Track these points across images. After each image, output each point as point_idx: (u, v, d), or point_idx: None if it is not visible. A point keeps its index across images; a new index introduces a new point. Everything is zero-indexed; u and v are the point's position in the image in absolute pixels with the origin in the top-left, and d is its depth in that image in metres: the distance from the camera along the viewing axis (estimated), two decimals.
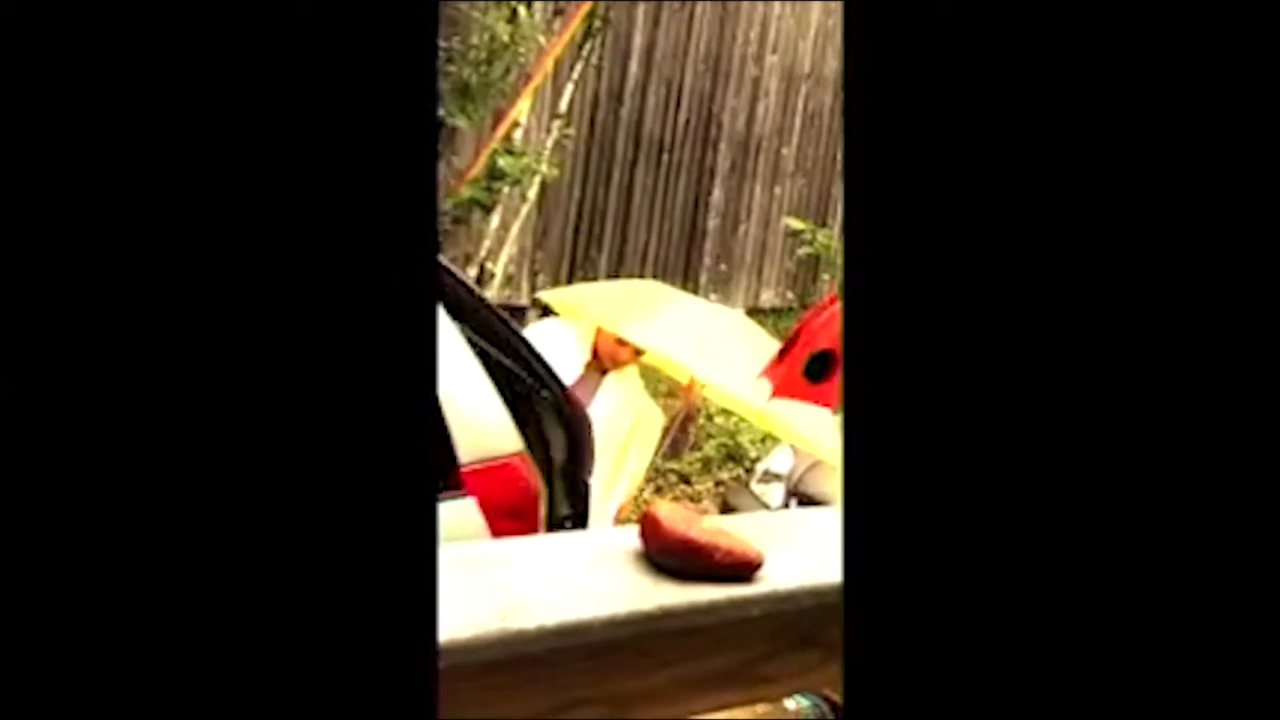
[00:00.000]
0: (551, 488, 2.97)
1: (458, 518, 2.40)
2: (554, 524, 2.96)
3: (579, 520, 3.01)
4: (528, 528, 2.59)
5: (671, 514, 1.09)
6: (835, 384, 2.81)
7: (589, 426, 3.03)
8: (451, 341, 2.57)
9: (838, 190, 7.54)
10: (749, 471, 4.77)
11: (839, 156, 7.51)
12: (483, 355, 2.82)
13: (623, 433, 3.75)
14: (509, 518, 2.50)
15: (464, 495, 2.44)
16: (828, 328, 2.86)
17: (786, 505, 4.49)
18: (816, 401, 2.91)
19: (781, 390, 2.84)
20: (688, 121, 6.82)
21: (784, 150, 7.31)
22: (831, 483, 4.37)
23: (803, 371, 2.83)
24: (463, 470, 2.44)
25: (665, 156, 6.79)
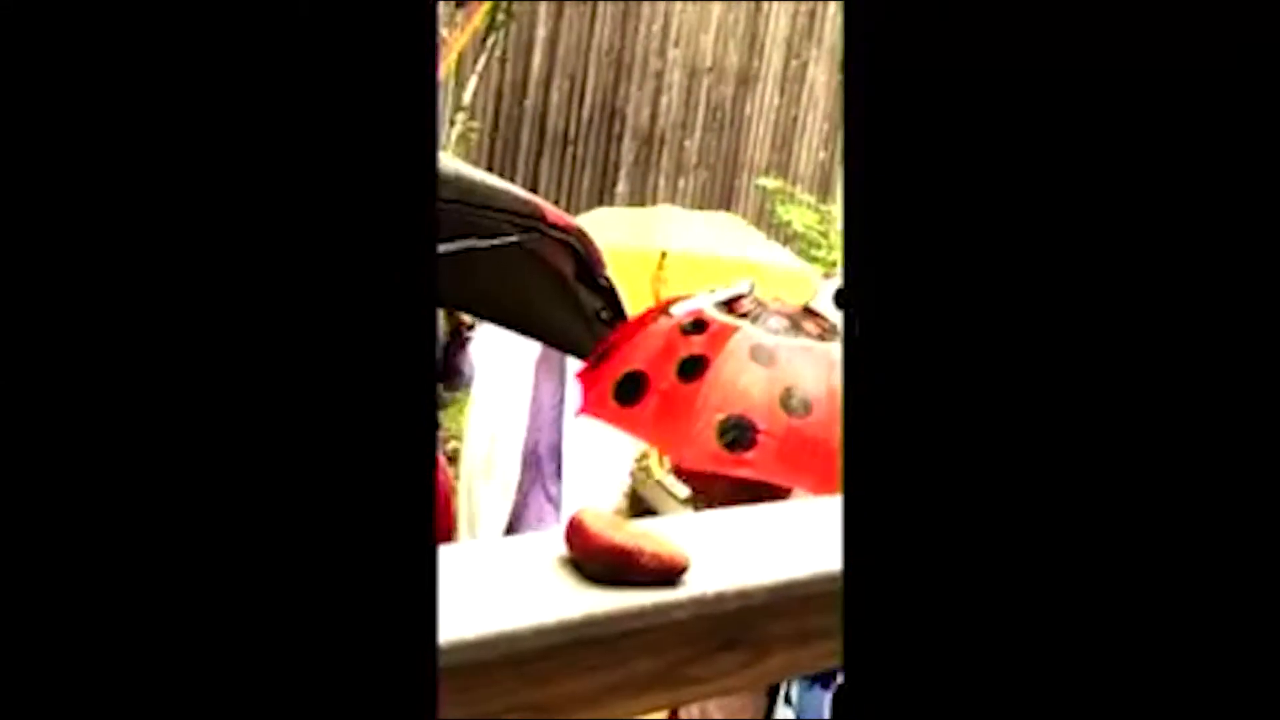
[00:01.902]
0: (578, 297, 3.02)
1: None
2: (590, 319, 3.04)
3: (616, 312, 3.04)
4: (441, 527, 2.56)
5: (596, 520, 1.10)
6: (644, 409, 2.54)
7: (580, 231, 2.97)
8: None
9: (740, 183, 7.63)
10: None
11: (740, 149, 7.63)
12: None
13: None
14: None
15: None
16: (642, 347, 2.64)
17: (696, 500, 4.43)
18: (623, 426, 2.69)
19: (589, 407, 2.67)
20: (591, 115, 6.85)
21: (687, 143, 7.35)
22: None
23: (613, 393, 2.57)
24: None
25: (569, 149, 6.81)
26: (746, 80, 7.66)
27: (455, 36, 5.49)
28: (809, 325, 2.64)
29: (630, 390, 2.55)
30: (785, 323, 2.61)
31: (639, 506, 4.53)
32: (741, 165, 7.62)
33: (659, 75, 7.29)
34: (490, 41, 5.93)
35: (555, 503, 3.97)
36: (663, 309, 2.78)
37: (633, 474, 4.66)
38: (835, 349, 2.56)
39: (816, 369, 2.51)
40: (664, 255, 4.44)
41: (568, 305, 3.02)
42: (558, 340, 3.26)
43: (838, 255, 6.72)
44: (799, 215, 7.05)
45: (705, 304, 2.70)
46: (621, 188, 7.07)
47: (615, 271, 3.85)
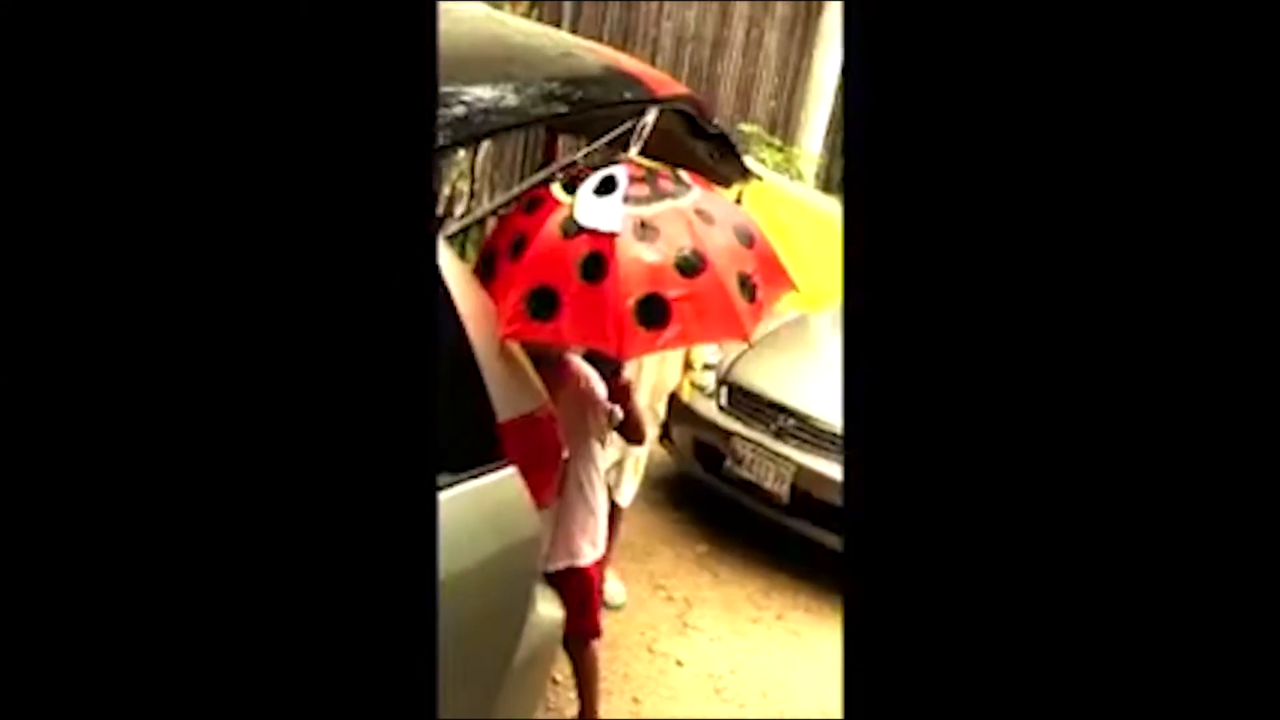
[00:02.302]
0: (693, 149, 3.07)
1: (501, 490, 2.31)
2: (703, 161, 3.08)
3: (725, 151, 3.19)
4: (548, 479, 2.53)
5: None
6: (565, 319, 2.46)
7: (688, 96, 2.97)
8: (480, 303, 2.41)
9: None
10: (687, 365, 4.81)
11: (713, 100, 8.65)
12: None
13: None
14: (535, 469, 2.43)
15: (503, 466, 2.32)
16: (543, 261, 2.51)
17: (717, 391, 5.14)
18: (551, 339, 2.61)
19: (513, 330, 2.50)
20: None
21: None
22: (754, 371, 5.11)
23: (528, 310, 2.48)
24: (501, 425, 2.34)
25: None
26: (718, 46, 8.70)
27: (507, 11, 6.54)
28: (663, 183, 2.63)
29: (544, 305, 2.48)
30: (645, 189, 2.56)
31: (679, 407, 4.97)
32: (715, 114, 8.44)
33: (654, 41, 8.32)
34: (533, 14, 6.89)
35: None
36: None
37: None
38: (689, 199, 2.60)
39: (689, 225, 2.53)
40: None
41: (684, 154, 3.02)
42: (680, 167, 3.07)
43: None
44: (769, 155, 7.88)
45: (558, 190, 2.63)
46: None
47: None
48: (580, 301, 2.46)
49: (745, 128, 8.33)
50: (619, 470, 4.17)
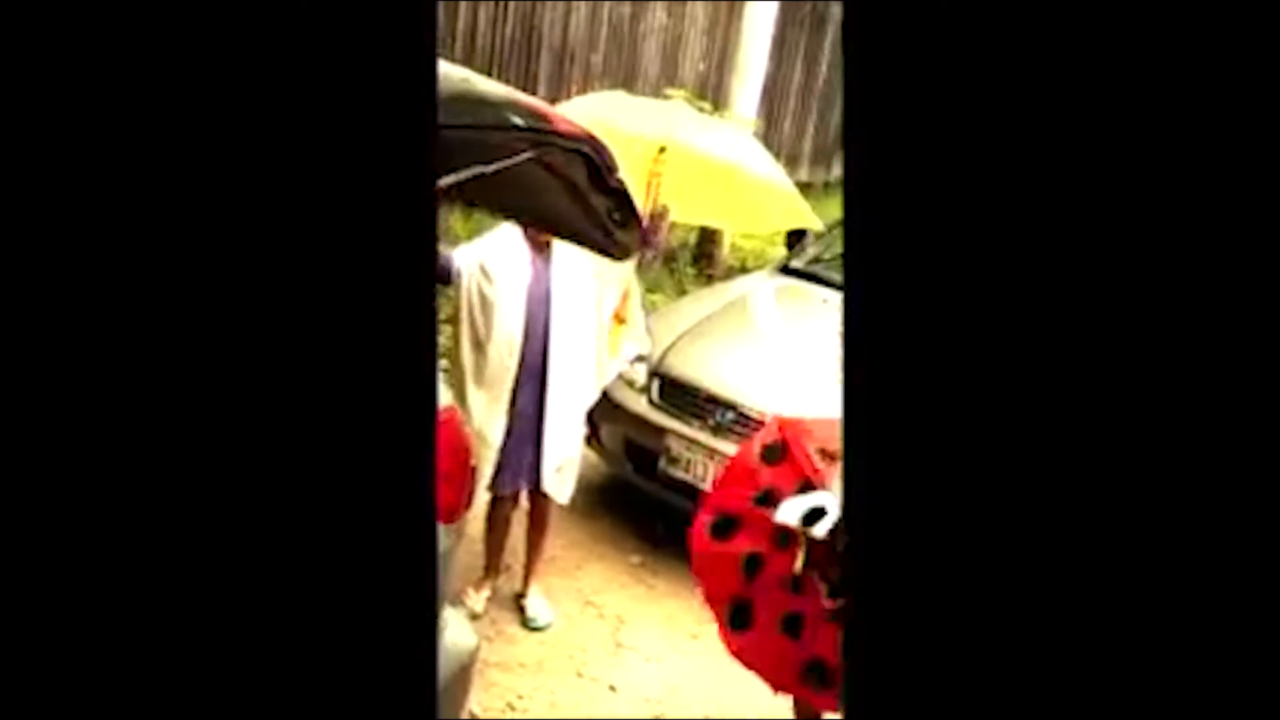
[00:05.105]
0: (589, 201, 2.89)
1: None
2: (602, 220, 2.96)
3: (627, 213, 2.97)
4: (459, 492, 2.47)
5: None
6: (739, 544, 2.69)
7: (591, 138, 2.78)
8: None
9: (636, 92, 8.25)
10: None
11: (636, 62, 8.43)
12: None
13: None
14: (440, 481, 2.31)
15: None
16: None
17: (649, 384, 4.95)
18: (719, 567, 2.81)
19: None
20: (513, 34, 7.58)
21: (593, 58, 8.14)
22: (688, 361, 4.95)
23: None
24: None
25: (495, 64, 7.54)
26: (640, 2, 8.38)
27: None
28: None
29: (724, 528, 2.75)
30: None
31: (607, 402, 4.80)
32: (637, 76, 8.39)
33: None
34: None
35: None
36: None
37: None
38: None
39: None
40: (663, 150, 4.39)
41: (579, 208, 2.97)
42: (572, 238, 3.27)
43: None
44: None
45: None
46: (540, 97, 7.78)
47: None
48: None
49: (671, 93, 7.88)
50: (561, 474, 4.18)
